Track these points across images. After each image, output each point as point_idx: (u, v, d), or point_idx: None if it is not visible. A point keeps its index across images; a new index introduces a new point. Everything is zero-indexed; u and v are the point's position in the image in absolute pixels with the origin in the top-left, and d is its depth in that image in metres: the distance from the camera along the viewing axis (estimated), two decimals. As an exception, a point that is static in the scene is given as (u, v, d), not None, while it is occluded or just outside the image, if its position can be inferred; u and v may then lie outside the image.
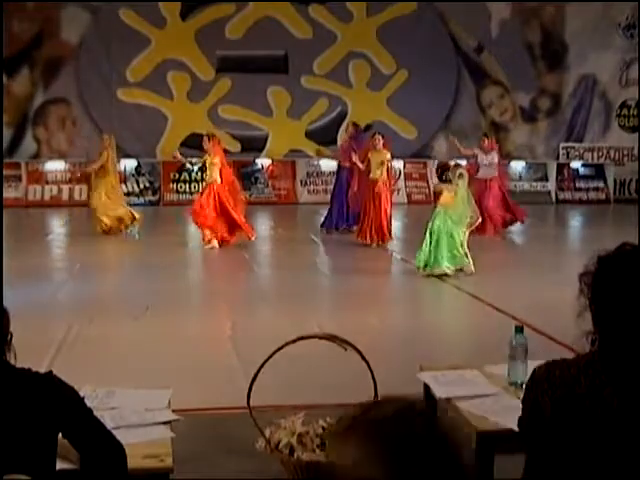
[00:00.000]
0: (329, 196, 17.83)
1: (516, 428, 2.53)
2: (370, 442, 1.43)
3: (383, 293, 9.15)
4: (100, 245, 12.52)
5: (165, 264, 10.66)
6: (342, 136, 13.82)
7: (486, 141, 13.67)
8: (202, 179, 18.05)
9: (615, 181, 19.46)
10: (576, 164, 19.50)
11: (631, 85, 19.69)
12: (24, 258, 10.54)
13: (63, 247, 13.02)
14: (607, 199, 19.30)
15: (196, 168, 18.09)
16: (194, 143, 18.60)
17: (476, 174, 13.10)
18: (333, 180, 17.51)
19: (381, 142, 12.09)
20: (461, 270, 9.54)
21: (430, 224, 9.49)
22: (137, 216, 13.30)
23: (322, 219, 14.15)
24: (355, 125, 14.13)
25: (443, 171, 9.62)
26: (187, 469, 3.85)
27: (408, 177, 18.74)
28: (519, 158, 19.32)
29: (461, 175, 9.56)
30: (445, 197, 9.52)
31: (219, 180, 11.93)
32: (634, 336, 2.18)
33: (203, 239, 11.98)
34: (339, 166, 14.15)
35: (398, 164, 17.77)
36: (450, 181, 9.49)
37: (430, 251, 9.43)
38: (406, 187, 18.63)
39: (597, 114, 19.98)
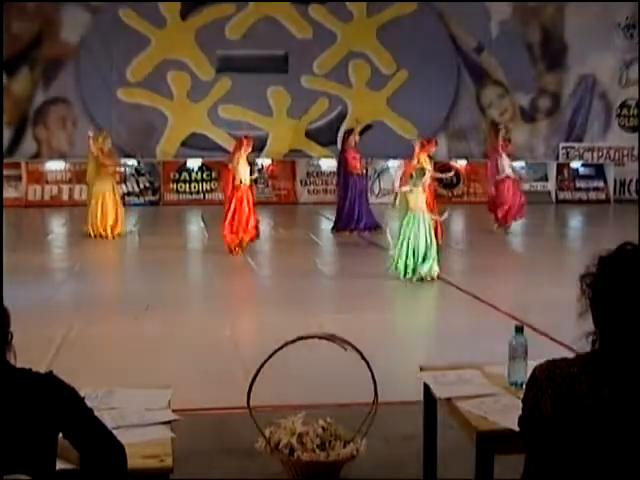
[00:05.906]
0: (329, 196, 17.88)
1: (516, 428, 2.53)
2: None
3: (383, 293, 9.14)
4: (100, 245, 12.51)
5: (165, 264, 10.67)
6: (348, 139, 13.52)
7: (508, 143, 13.85)
8: (202, 179, 18.14)
9: (615, 181, 19.44)
10: (576, 164, 19.49)
11: (631, 85, 19.68)
12: (24, 258, 10.54)
13: (63, 247, 13.02)
14: (607, 199, 19.30)
15: (196, 168, 18.15)
16: (194, 143, 18.71)
17: (498, 174, 13.54)
18: (335, 181, 17.55)
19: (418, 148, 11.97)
20: None
21: None
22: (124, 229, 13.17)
23: (332, 224, 13.78)
24: (368, 126, 13.93)
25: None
26: (187, 469, 3.85)
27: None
28: (519, 158, 19.31)
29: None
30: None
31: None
32: (634, 336, 2.19)
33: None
34: (348, 172, 13.42)
35: (398, 164, 17.74)
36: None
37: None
38: (406, 187, 18.61)
39: (597, 114, 19.98)
